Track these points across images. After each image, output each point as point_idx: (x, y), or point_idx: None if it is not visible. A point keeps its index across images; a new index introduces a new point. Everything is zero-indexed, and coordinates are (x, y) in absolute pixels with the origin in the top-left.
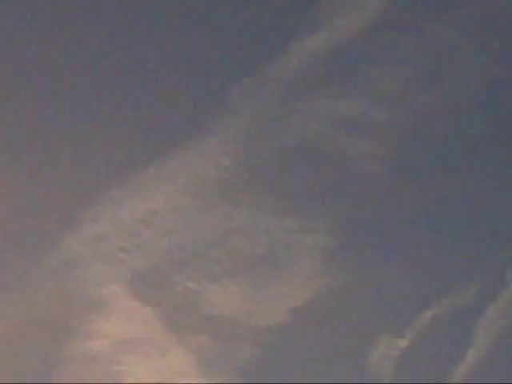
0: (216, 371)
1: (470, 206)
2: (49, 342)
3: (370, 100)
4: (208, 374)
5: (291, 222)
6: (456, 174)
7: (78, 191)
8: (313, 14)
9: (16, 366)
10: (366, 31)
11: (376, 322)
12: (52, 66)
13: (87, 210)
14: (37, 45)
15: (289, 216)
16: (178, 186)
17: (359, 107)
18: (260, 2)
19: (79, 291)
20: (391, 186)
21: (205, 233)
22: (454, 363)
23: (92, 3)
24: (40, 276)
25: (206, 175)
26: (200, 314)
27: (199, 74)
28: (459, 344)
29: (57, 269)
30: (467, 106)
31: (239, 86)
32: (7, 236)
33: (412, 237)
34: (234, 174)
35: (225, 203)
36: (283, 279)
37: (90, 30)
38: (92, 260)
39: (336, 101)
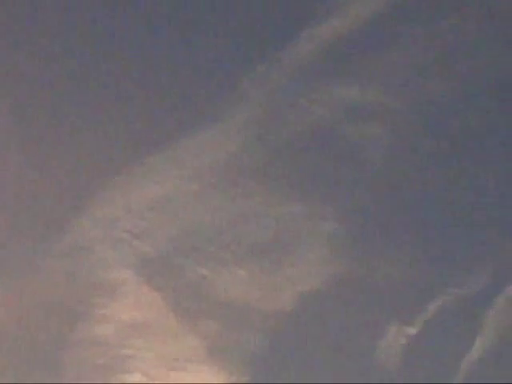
0: (224, 357)
1: (482, 194)
2: (57, 326)
3: (381, 87)
4: (216, 359)
5: (300, 209)
6: (468, 161)
7: (87, 176)
8: (325, 1)
9: (24, 350)
10: (377, 19)
11: (384, 310)
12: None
13: (97, 195)
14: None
15: (298, 203)
16: (188, 172)
17: (371, 94)
18: None
19: (88, 275)
20: (402, 174)
21: (213, 218)
22: (462, 351)
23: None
24: (49, 260)
25: (215, 162)
26: (209, 300)
27: (210, 61)
28: (468, 332)
29: (66, 253)
30: (478, 95)
31: (250, 73)
32: (17, 220)
33: (421, 224)
34: (243, 161)
35: (234, 190)
36: (291, 265)
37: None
38: (101, 245)
39: (347, 88)
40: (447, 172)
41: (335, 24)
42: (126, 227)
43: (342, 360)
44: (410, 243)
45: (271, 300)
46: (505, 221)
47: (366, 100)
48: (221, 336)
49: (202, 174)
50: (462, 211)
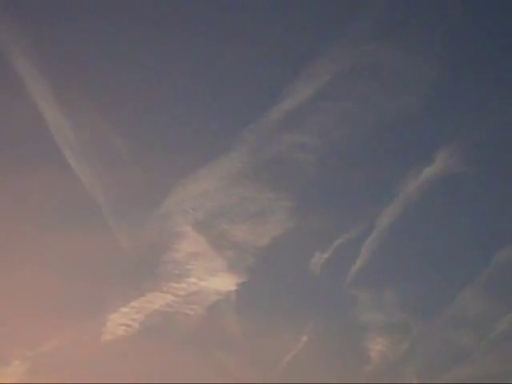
0: None
1: None
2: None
3: None
4: None
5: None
6: None
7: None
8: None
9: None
10: None
11: None
12: None
13: (173, 188)
14: None
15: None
16: (220, 177)
17: None
18: None
19: (166, 228)
20: None
21: (232, 200)
22: None
23: None
24: (151, 219)
25: (230, 172)
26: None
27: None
28: None
29: (159, 215)
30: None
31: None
32: (131, 192)
33: None
34: (244, 170)
35: (247, 183)
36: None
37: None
38: (174, 214)
39: None
40: None
41: None
42: (189, 206)
43: None
44: None
45: None
46: None
47: None
48: None
49: (224, 178)
50: None
